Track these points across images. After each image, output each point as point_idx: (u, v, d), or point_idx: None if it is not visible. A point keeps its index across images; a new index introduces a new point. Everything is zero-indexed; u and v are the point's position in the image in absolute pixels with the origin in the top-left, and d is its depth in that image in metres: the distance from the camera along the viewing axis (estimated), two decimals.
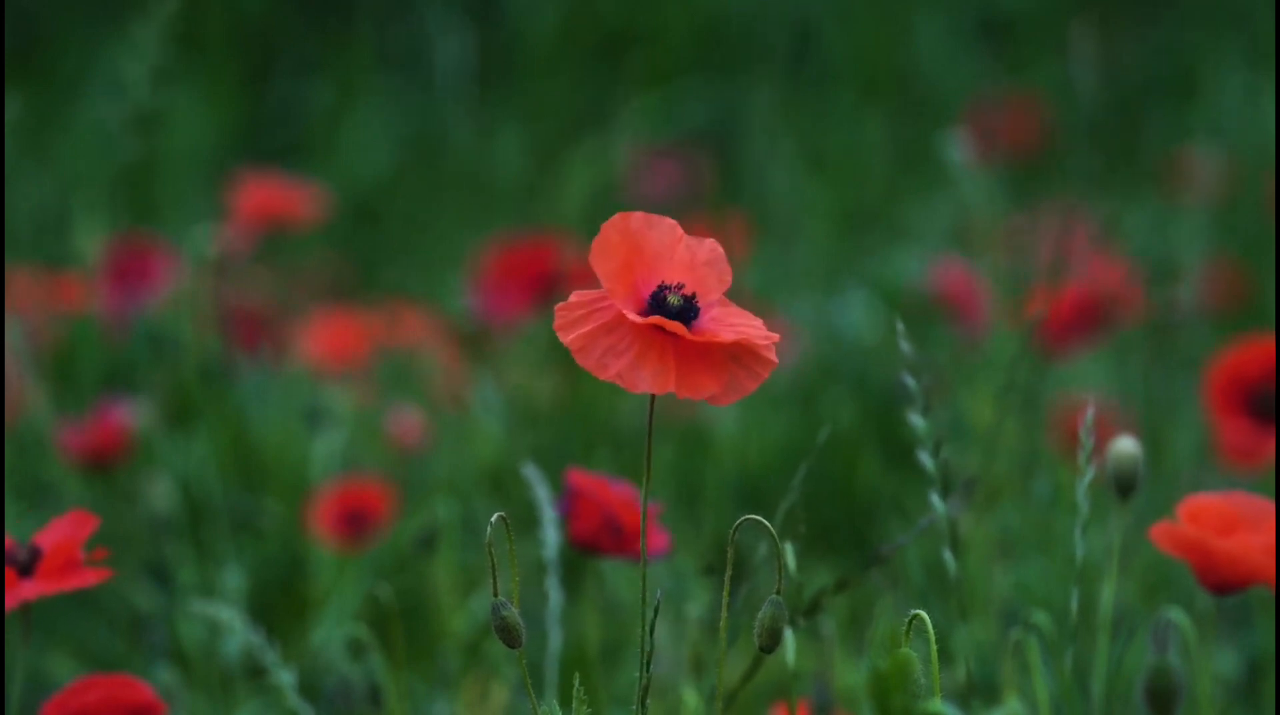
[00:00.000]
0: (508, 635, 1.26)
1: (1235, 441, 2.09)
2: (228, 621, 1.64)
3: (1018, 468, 2.32)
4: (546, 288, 2.87)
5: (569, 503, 1.55)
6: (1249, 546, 1.43)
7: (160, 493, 2.28)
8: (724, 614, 1.27)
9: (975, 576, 1.98)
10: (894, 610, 1.78)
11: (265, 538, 2.44)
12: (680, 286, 1.24)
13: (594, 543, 1.55)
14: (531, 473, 1.64)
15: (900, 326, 1.50)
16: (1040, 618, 1.56)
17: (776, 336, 1.24)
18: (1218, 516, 1.46)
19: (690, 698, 1.61)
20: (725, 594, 1.27)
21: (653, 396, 1.24)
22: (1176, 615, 1.40)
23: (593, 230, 1.25)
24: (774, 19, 5.40)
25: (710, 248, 1.26)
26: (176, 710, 1.91)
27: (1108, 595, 1.53)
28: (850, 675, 1.82)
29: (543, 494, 1.63)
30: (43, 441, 2.59)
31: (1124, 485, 1.51)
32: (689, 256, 1.26)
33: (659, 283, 1.25)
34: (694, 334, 1.23)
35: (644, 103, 4.77)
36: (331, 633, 2.16)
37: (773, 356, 1.23)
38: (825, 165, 4.76)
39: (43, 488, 2.51)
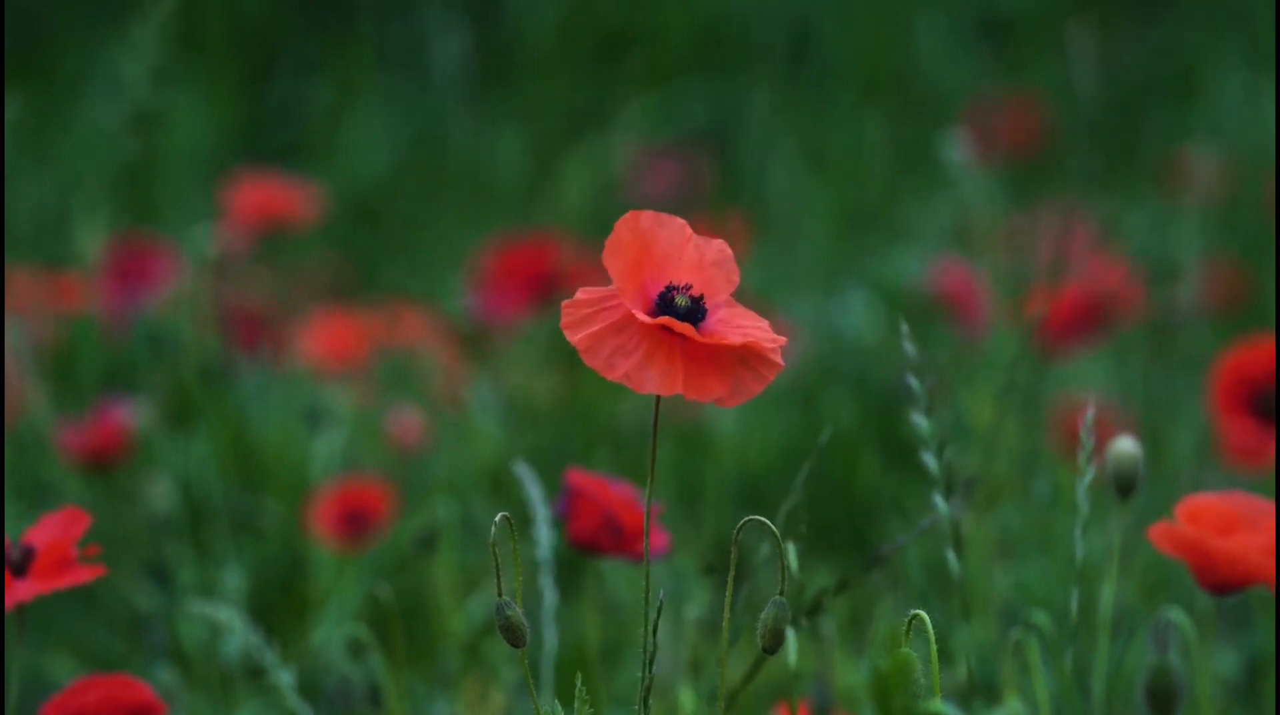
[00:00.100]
0: (512, 635, 1.26)
1: (1239, 441, 2.09)
2: (227, 621, 1.64)
3: (1018, 468, 2.31)
4: (546, 288, 2.87)
5: (569, 502, 1.55)
6: (1248, 546, 1.43)
7: (160, 493, 2.28)
8: (727, 614, 1.27)
9: (975, 576, 1.98)
10: (894, 610, 1.78)
11: (265, 538, 2.44)
12: (688, 287, 1.24)
13: (594, 543, 1.55)
14: (523, 470, 1.63)
15: (905, 327, 1.50)
16: (1040, 618, 1.56)
17: (783, 339, 1.24)
18: (1216, 516, 1.45)
19: (687, 698, 1.60)
20: (729, 594, 1.27)
21: (659, 397, 1.24)
22: (1176, 615, 1.40)
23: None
24: (774, 19, 5.40)
25: (718, 248, 1.26)
26: (176, 710, 1.91)
27: (1108, 595, 1.53)
28: (850, 675, 1.82)
29: (535, 492, 1.63)
30: (43, 441, 2.59)
31: (1124, 485, 1.51)
32: (697, 257, 1.25)
33: (667, 283, 1.24)
34: (702, 335, 1.22)
35: (644, 103, 4.77)
36: (331, 633, 2.16)
37: (779, 360, 1.23)
38: (825, 165, 4.76)
39: (43, 488, 2.51)
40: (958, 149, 2.64)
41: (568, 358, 2.96)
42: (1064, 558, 1.96)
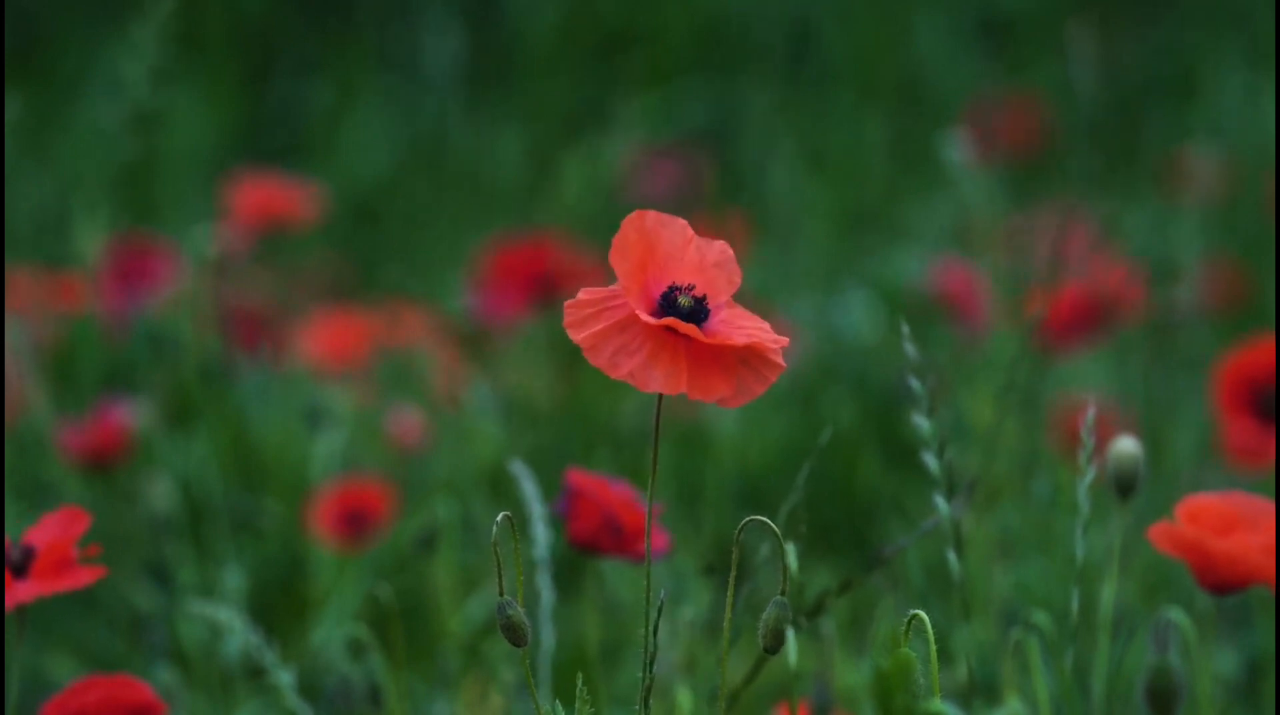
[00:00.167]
0: (513, 634, 1.26)
1: (1241, 441, 2.09)
2: (228, 622, 1.64)
3: (1018, 468, 2.31)
4: (545, 288, 2.87)
5: (569, 502, 1.55)
6: (1247, 546, 1.42)
7: (160, 493, 2.28)
8: (728, 614, 1.27)
9: (976, 576, 1.98)
10: (895, 611, 1.78)
11: (265, 538, 2.44)
12: (691, 288, 1.24)
13: (594, 543, 1.55)
14: (519, 469, 1.63)
15: (905, 328, 1.50)
16: (1040, 618, 1.56)
17: (785, 340, 1.24)
18: (1216, 516, 1.45)
19: (685, 699, 1.60)
20: (730, 594, 1.27)
21: (660, 396, 1.24)
22: (1176, 615, 1.40)
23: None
24: (774, 19, 5.40)
25: (720, 249, 1.26)
26: (176, 710, 1.91)
27: (1108, 595, 1.53)
28: (850, 675, 1.82)
29: (531, 490, 1.63)
30: (43, 441, 2.59)
31: (1125, 485, 1.51)
32: (699, 258, 1.26)
33: (669, 283, 1.25)
34: (704, 336, 1.23)
35: (643, 103, 4.77)
36: (331, 633, 2.16)
37: (781, 361, 1.23)
38: (825, 165, 4.76)
39: (43, 488, 2.51)
40: (958, 149, 2.64)
41: (567, 358, 2.96)
42: (1064, 558, 1.96)
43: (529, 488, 1.62)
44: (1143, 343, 3.02)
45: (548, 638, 1.66)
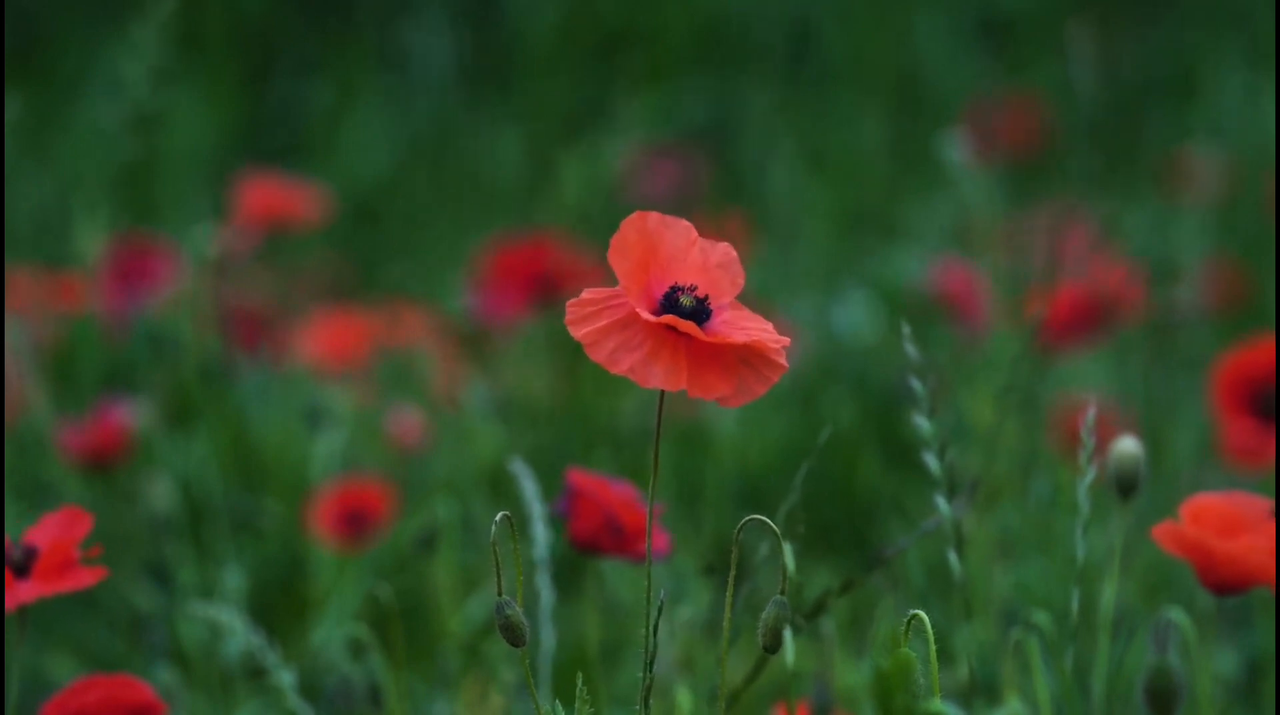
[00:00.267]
0: (512, 634, 1.26)
1: (1240, 441, 2.09)
2: (229, 623, 1.64)
3: (1018, 468, 2.31)
4: (545, 288, 2.87)
5: (569, 502, 1.55)
6: (1250, 548, 1.42)
7: (160, 493, 2.28)
8: (727, 614, 1.27)
9: (976, 577, 1.98)
10: (895, 611, 1.78)
11: (265, 538, 2.44)
12: (693, 288, 1.25)
13: (594, 543, 1.55)
14: (520, 468, 1.63)
15: (906, 329, 1.50)
16: (1041, 618, 1.56)
17: (787, 340, 1.24)
18: (1219, 517, 1.45)
19: (685, 698, 1.60)
20: (729, 594, 1.27)
21: (661, 395, 1.25)
22: (1176, 615, 1.40)
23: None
24: (773, 18, 5.40)
25: (724, 251, 1.27)
26: (176, 710, 1.91)
27: (1108, 595, 1.53)
28: (850, 675, 1.82)
29: (531, 490, 1.63)
30: (43, 441, 2.59)
31: (1125, 485, 1.51)
32: (702, 259, 1.26)
33: (672, 283, 1.25)
34: (704, 334, 1.23)
35: (643, 102, 4.76)
36: (331, 633, 2.16)
37: (782, 361, 1.23)
38: (825, 165, 4.76)
39: (43, 488, 2.51)
40: (957, 149, 2.64)
41: (568, 358, 2.96)
42: (1064, 558, 1.95)
43: (529, 487, 1.62)
44: (1143, 343, 3.02)
45: (548, 638, 1.66)
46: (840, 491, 2.70)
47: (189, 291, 2.86)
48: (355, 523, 2.23)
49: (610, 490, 1.55)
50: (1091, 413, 1.49)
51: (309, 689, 1.97)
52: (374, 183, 4.96)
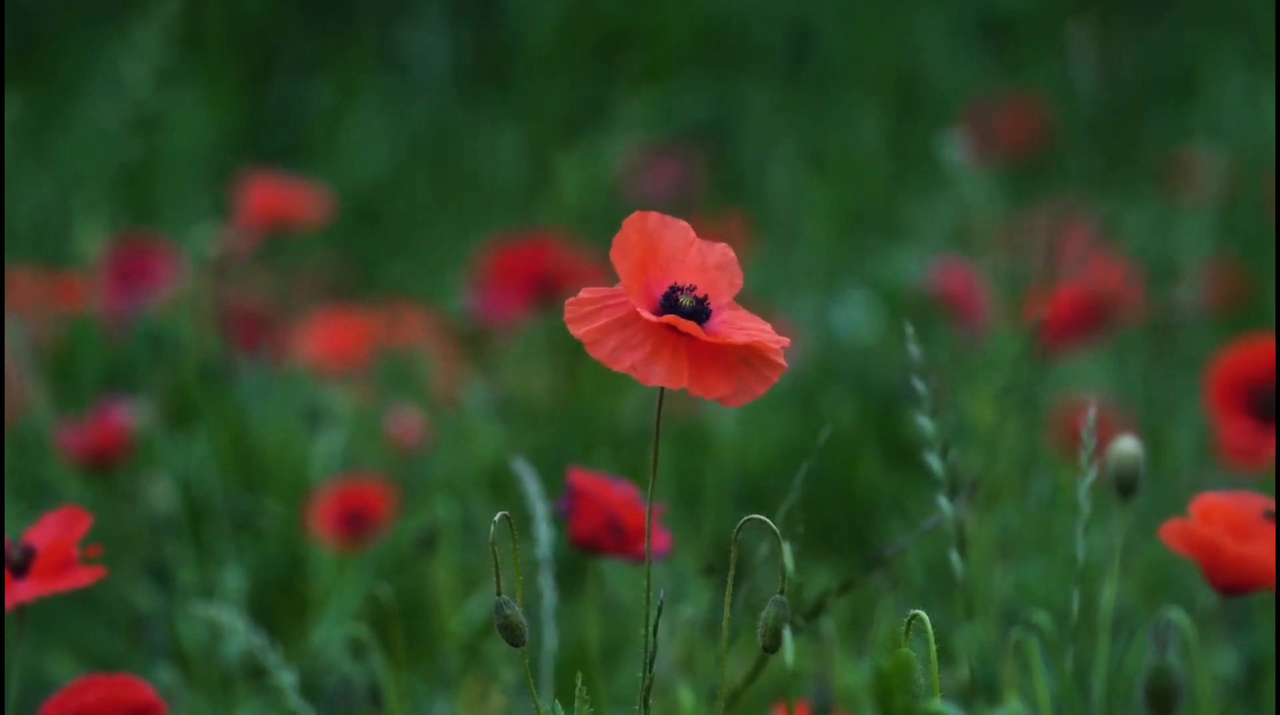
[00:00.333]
0: (511, 634, 1.26)
1: (1237, 441, 2.09)
2: (229, 624, 1.64)
3: (1018, 468, 2.31)
4: (545, 287, 2.87)
5: (570, 502, 1.55)
6: (1261, 552, 1.42)
7: (160, 493, 2.28)
8: (727, 614, 1.27)
9: (976, 576, 1.98)
10: (895, 611, 1.78)
11: (265, 538, 2.44)
12: (692, 288, 1.25)
13: (595, 542, 1.55)
14: (522, 468, 1.64)
15: (910, 329, 1.50)
16: (1041, 618, 1.56)
17: (787, 340, 1.24)
18: (1227, 517, 1.45)
19: (687, 698, 1.60)
20: (729, 594, 1.27)
21: (661, 394, 1.25)
22: (1177, 615, 1.40)
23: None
24: (773, 18, 5.40)
25: (722, 252, 1.27)
26: (176, 710, 1.91)
27: (1108, 595, 1.53)
28: (850, 675, 1.82)
29: (533, 489, 1.63)
30: (43, 441, 2.59)
31: (1125, 485, 1.51)
32: (701, 260, 1.26)
33: (671, 284, 1.25)
34: (705, 334, 1.23)
35: (643, 102, 4.76)
36: (331, 633, 2.16)
37: (782, 361, 1.24)
38: (825, 165, 4.76)
39: (43, 488, 2.51)
40: (957, 149, 2.64)
41: (568, 357, 2.96)
42: (1064, 558, 1.95)
43: (531, 487, 1.62)
44: (1143, 343, 3.02)
45: (550, 638, 1.66)
46: (840, 491, 2.70)
47: (189, 291, 2.86)
48: (355, 523, 2.23)
49: (612, 490, 1.55)
50: (1092, 413, 1.49)
51: (309, 689, 1.97)
52: (374, 183, 4.96)
